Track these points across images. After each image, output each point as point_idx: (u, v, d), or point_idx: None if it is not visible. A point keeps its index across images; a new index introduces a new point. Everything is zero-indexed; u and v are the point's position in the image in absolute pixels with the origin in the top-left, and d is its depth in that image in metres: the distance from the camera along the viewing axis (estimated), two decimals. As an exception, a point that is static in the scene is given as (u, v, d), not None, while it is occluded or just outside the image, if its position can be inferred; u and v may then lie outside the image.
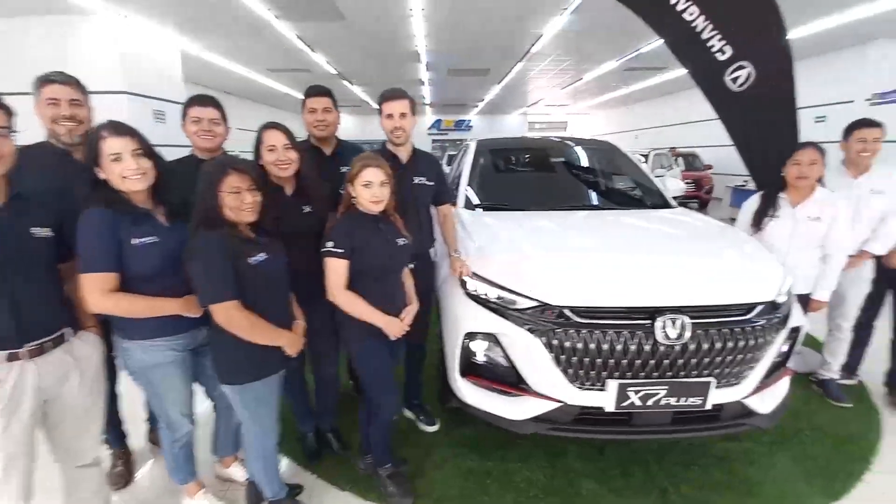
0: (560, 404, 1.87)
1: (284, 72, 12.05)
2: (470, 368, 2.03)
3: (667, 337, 1.74)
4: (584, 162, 3.42)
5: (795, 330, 2.03)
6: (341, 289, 1.69)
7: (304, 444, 2.31)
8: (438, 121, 25.10)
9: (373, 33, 8.59)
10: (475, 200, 2.95)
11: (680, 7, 3.24)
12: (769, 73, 3.07)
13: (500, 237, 2.32)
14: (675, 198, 3.19)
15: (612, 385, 1.79)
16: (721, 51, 3.20)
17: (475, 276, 2.05)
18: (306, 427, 2.29)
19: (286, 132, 1.84)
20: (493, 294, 1.96)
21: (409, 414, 2.58)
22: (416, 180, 2.13)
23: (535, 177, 3.27)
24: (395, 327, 1.76)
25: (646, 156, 8.87)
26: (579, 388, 1.84)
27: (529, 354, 1.86)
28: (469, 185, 3.08)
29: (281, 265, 1.65)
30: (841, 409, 2.67)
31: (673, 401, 1.82)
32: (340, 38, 8.86)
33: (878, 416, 2.61)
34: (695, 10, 3.23)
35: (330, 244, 1.68)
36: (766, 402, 1.98)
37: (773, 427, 2.04)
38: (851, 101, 9.05)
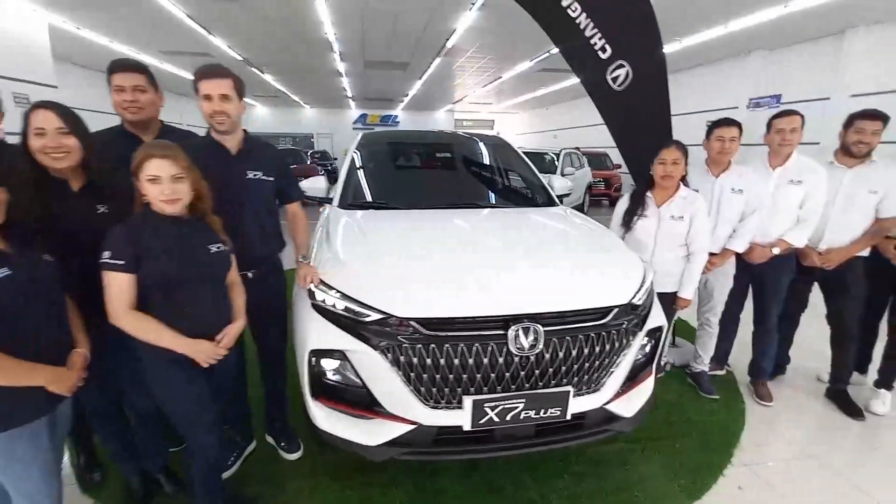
0: (415, 426, 1.68)
1: (181, 55, 10.98)
2: (321, 390, 1.78)
3: (520, 347, 1.61)
4: (472, 158, 3.29)
5: (657, 330, 2.00)
6: (125, 309, 1.36)
7: (128, 490, 1.92)
8: (363, 115, 24.45)
9: (276, 18, 8.00)
10: (350, 199, 2.69)
11: (565, 3, 3.20)
12: (645, 74, 3.12)
13: (361, 240, 2.09)
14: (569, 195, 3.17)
15: (468, 402, 1.63)
16: (603, 49, 3.21)
17: (323, 284, 1.80)
18: (128, 471, 1.91)
19: (63, 114, 1.46)
20: (340, 306, 1.72)
21: (269, 439, 2.28)
22: (250, 175, 1.82)
23: (419, 173, 3.08)
24: (203, 352, 1.45)
25: (557, 154, 9.10)
26: (433, 407, 1.66)
27: (378, 373, 1.65)
28: (346, 181, 2.82)
29: (44, 279, 1.29)
30: (710, 401, 2.76)
31: (532, 413, 1.69)
32: (239, 20, 8.16)
33: (743, 407, 2.72)
34: (577, 6, 3.21)
35: (106, 255, 1.34)
36: (629, 405, 1.93)
37: (634, 428, 1.99)
38: (736, 107, 9.92)
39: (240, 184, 1.80)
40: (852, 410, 2.64)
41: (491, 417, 1.66)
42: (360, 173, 2.92)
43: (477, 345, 1.61)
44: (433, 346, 1.60)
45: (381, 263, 1.87)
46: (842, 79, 8.28)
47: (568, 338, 1.68)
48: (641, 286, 1.92)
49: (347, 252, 1.99)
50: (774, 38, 8.90)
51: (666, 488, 2.05)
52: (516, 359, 1.63)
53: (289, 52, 10.54)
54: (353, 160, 2.97)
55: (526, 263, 1.90)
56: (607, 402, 1.83)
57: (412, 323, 1.61)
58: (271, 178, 1.89)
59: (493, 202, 2.70)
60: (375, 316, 1.64)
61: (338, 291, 1.75)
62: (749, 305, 2.87)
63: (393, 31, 8.85)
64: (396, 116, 24.84)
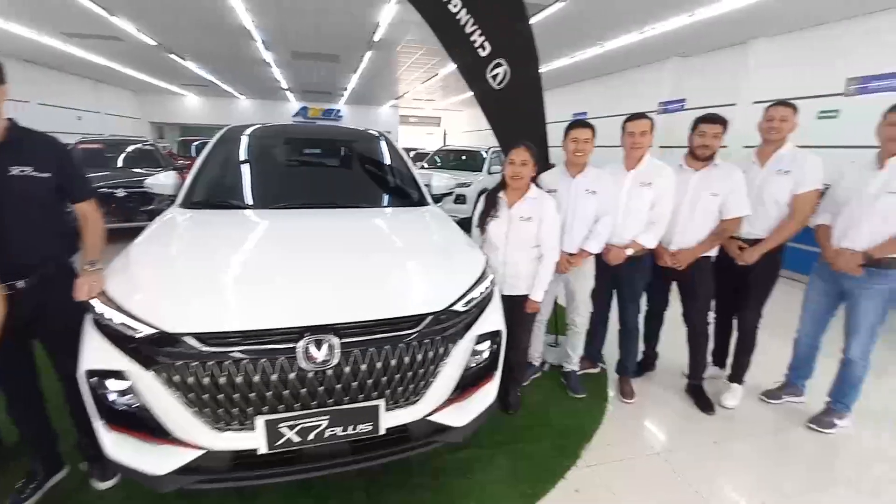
0: (204, 452, 1.52)
1: (87, 38, 10.03)
2: (106, 413, 1.58)
3: (312, 361, 1.49)
4: (343, 155, 3.14)
5: (495, 335, 1.95)
6: None
7: None
8: (304, 108, 23.63)
9: (184, 1, 7.45)
10: (195, 197, 2.48)
11: (445, -1, 3.11)
12: (522, 72, 3.10)
13: (171, 244, 1.90)
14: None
15: (259, 423, 1.49)
16: (482, 46, 3.16)
17: (104, 296, 1.60)
18: None
19: None
20: (117, 320, 1.53)
21: (83, 467, 2.04)
22: (14, 171, 1.58)
23: (281, 170, 2.89)
24: None
25: (486, 152, 9.12)
26: (221, 430, 1.51)
27: (158, 395, 1.47)
28: (194, 178, 2.59)
29: None
30: (576, 401, 2.78)
31: (339, 431, 1.58)
32: (144, 2, 7.53)
33: (604, 405, 2.76)
34: (458, 2, 3.14)
35: None
36: (461, 414, 1.86)
37: (468, 440, 1.94)
38: (652, 111, 10.39)
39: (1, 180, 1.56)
40: (704, 405, 2.75)
41: (290, 438, 1.54)
42: (213, 169, 2.70)
43: (264, 360, 1.47)
44: (212, 363, 1.45)
45: (174, 271, 1.69)
46: (745, 86, 8.83)
47: (372, 349, 1.58)
48: (470, 291, 1.86)
49: (144, 258, 1.80)
50: (688, 45, 9.35)
51: (504, 495, 2.02)
52: (310, 374, 1.51)
53: (208, 38, 9.89)
54: (207, 155, 2.74)
55: (338, 270, 1.78)
56: (430, 414, 1.76)
57: (186, 339, 1.45)
58: (47, 175, 1.65)
59: (353, 202, 2.56)
60: (147, 331, 1.47)
61: (116, 304, 1.55)
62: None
63: (315, 22, 8.51)
64: (339, 111, 24.20)
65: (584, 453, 2.32)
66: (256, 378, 1.47)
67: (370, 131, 3.38)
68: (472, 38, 3.17)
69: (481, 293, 1.92)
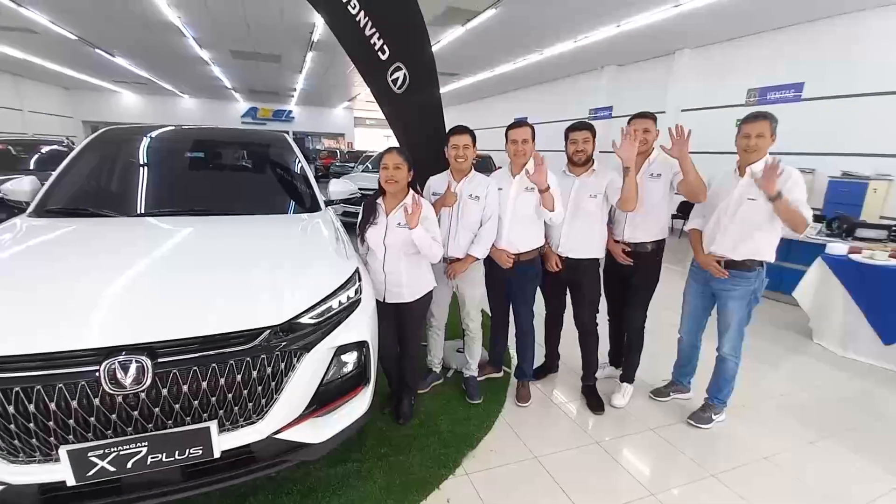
0: (3, 487, 1.38)
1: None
2: None
3: (119, 386, 1.38)
4: (233, 158, 3.01)
5: (360, 345, 1.89)
6: None
7: None
8: (254, 109, 22.94)
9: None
10: (51, 204, 2.29)
11: (345, -1, 3.05)
12: (420, 77, 3.08)
13: None
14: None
15: (63, 454, 1.37)
16: (382, 49, 3.11)
17: None
18: None
19: None
20: None
21: None
22: None
23: (156, 175, 2.69)
24: None
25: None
26: (21, 463, 1.37)
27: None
28: (53, 183, 2.40)
29: None
30: (471, 407, 2.77)
31: (163, 457, 1.48)
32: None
33: (498, 411, 2.76)
34: (356, 3, 3.08)
35: None
36: (318, 431, 1.79)
37: (323, 456, 1.86)
38: (586, 117, 10.76)
39: None
40: (595, 405, 2.80)
41: (103, 467, 1.42)
42: (77, 174, 2.50)
43: (61, 385, 1.35)
44: (2, 389, 1.31)
45: None
46: (673, 94, 9.27)
47: (196, 368, 1.48)
48: (325, 301, 1.79)
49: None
50: (621, 55, 9.73)
51: (370, 512, 1.96)
52: (120, 399, 1.40)
53: (135, 33, 9.38)
54: (72, 159, 2.55)
55: (167, 284, 1.66)
56: (278, 432, 1.68)
57: (-35, 363, 1.31)
58: None
59: (230, 209, 2.43)
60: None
61: None
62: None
63: (247, 21, 8.23)
64: (290, 112, 23.64)
65: (466, 461, 2.30)
66: (53, 406, 1.34)
67: (273, 133, 3.26)
68: (372, 41, 3.12)
69: (340, 303, 1.86)
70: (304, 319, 1.71)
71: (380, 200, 2.34)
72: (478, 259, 2.59)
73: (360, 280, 2.04)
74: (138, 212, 2.30)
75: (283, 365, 1.63)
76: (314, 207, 2.74)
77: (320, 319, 1.76)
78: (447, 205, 2.54)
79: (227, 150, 3.05)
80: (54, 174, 2.46)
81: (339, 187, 3.09)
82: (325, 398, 1.82)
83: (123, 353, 1.39)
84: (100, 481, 1.45)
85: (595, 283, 2.72)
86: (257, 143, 3.14)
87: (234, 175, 2.90)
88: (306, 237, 2.27)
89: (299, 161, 3.03)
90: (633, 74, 10.31)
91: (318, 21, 7.95)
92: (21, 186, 2.43)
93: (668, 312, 3.19)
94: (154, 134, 2.92)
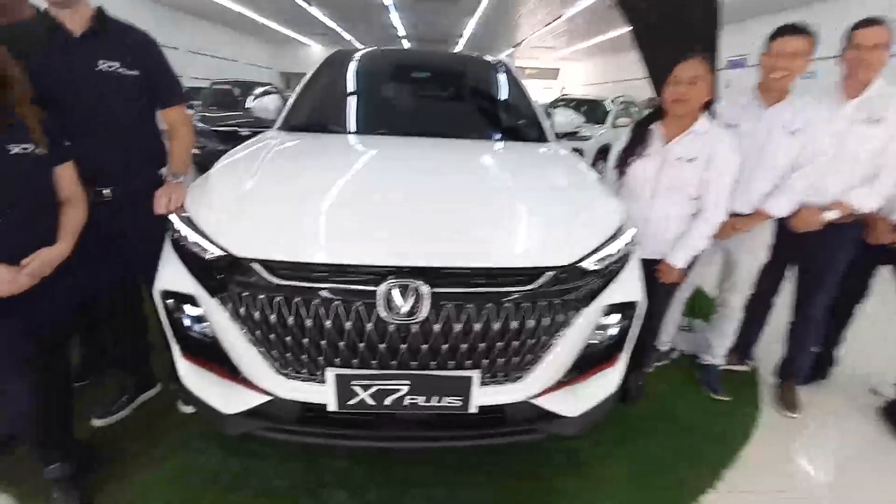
0: (271, 398, 1.33)
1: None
2: (181, 339, 1.46)
3: (395, 312, 1.17)
4: (458, 82, 2.70)
5: (628, 307, 1.48)
6: None
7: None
8: (419, 58, 23.48)
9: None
10: (295, 120, 2.28)
11: None
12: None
13: (261, 163, 1.68)
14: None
15: (330, 377, 1.24)
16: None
17: (182, 212, 1.44)
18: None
19: None
20: (191, 239, 1.36)
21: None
22: (102, 65, 1.44)
23: (389, 96, 2.55)
24: None
25: (613, 101, 8.01)
26: (289, 377, 1.29)
27: (225, 327, 1.29)
28: (295, 102, 2.40)
29: None
30: (715, 402, 2.20)
31: (420, 400, 1.28)
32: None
33: (755, 415, 2.14)
34: None
35: None
36: (574, 402, 1.46)
37: (581, 434, 1.53)
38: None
39: (85, 76, 1.43)
40: (908, 437, 1.99)
41: (364, 399, 1.27)
42: (316, 93, 2.47)
43: (338, 303, 1.19)
44: (280, 298, 1.20)
45: (253, 192, 1.46)
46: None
47: (471, 306, 1.21)
48: (604, 245, 1.39)
49: (227, 176, 1.60)
50: None
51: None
52: (392, 328, 1.20)
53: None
54: (311, 79, 2.53)
55: (439, 206, 1.41)
56: (536, 396, 1.38)
57: (253, 265, 1.21)
58: (134, 73, 1.50)
59: (464, 133, 2.17)
60: (216, 253, 1.26)
61: (191, 221, 1.38)
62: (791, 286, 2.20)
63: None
64: (453, 61, 23.64)
65: (728, 474, 1.78)
66: (328, 323, 1.20)
67: (488, 58, 2.91)
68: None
69: (618, 252, 1.44)
70: (586, 265, 1.33)
71: (656, 125, 1.80)
72: (773, 217, 1.91)
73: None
74: (377, 130, 2.18)
75: (558, 317, 1.29)
76: (543, 137, 2.34)
77: (602, 267, 1.37)
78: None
79: (452, 72, 2.80)
80: (295, 93, 2.46)
81: (564, 118, 2.62)
82: (584, 364, 1.46)
83: (403, 275, 1.17)
84: (356, 413, 1.32)
85: None
86: (481, 67, 2.82)
87: (462, 98, 2.63)
88: (562, 168, 1.88)
89: (523, 88, 2.64)
90: None
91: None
92: (267, 104, 2.47)
93: None
94: (379, 56, 2.80)
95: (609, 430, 1.92)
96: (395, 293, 1.16)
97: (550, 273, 1.26)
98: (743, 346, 2.40)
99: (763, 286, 2.21)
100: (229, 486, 1.59)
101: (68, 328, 1.52)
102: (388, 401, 1.28)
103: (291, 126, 2.24)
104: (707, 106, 1.76)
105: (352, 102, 2.44)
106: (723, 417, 2.10)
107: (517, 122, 2.43)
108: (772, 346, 2.39)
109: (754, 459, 1.86)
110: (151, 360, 2.01)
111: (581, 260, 1.31)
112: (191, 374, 1.46)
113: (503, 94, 2.61)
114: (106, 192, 1.53)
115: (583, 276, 1.32)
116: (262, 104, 2.48)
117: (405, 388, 1.26)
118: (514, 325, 1.24)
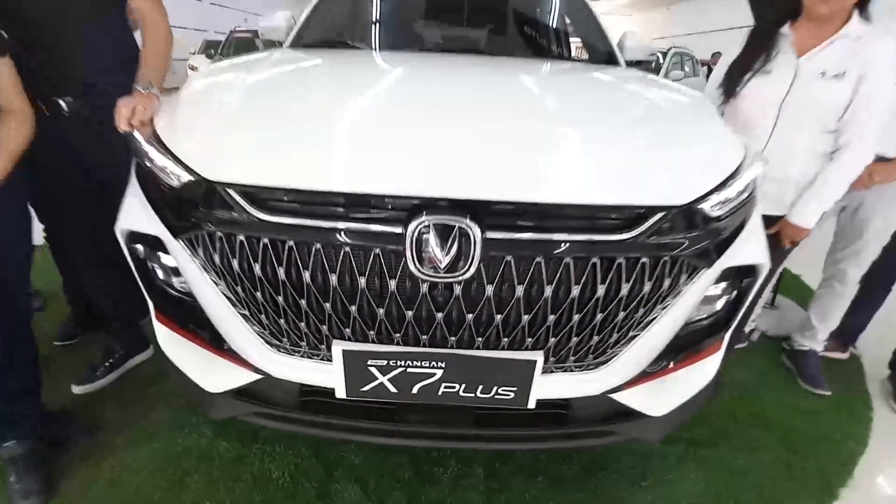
0: (261, 376, 1.00)
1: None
2: (154, 295, 1.14)
3: (428, 263, 0.79)
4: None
5: (749, 272, 1.06)
6: None
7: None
8: None
9: None
10: (309, 37, 1.89)
11: None
12: None
13: (245, 76, 1.30)
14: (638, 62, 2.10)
15: (337, 352, 0.89)
16: None
17: (149, 130, 1.08)
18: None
19: None
20: (159, 162, 1.00)
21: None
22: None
23: (422, 4, 2.10)
24: None
25: (665, 53, 7.22)
26: (283, 351, 0.95)
27: (195, 280, 0.95)
28: (309, 16, 2.00)
29: None
30: (813, 398, 1.78)
31: (461, 390, 0.92)
32: None
33: (868, 415, 1.71)
34: None
35: None
36: (663, 397, 1.08)
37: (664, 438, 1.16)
38: None
39: None
40: None
41: (383, 385, 0.92)
42: (334, 6, 2.06)
43: (348, 249, 0.82)
44: (266, 241, 0.84)
45: (238, 107, 1.09)
46: None
47: (540, 259, 0.82)
48: (727, 184, 0.96)
49: (210, 88, 1.24)
50: None
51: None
52: (425, 285, 0.83)
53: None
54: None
55: (494, 124, 0.98)
56: (616, 389, 1.00)
57: (230, 193, 0.85)
58: None
59: (517, 51, 1.75)
60: (183, 178, 0.91)
61: (158, 140, 1.02)
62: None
63: None
64: None
65: (845, 492, 1.39)
66: (334, 279, 0.84)
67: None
68: None
69: (739, 196, 1.01)
70: (706, 207, 0.91)
71: (786, 28, 1.31)
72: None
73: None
74: (409, 46, 1.78)
75: (669, 280, 0.89)
76: (613, 60, 1.89)
77: (723, 212, 0.95)
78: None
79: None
80: (308, 7, 2.05)
81: (634, 43, 2.12)
82: (685, 346, 1.07)
83: (443, 211, 0.79)
84: (372, 402, 0.98)
85: None
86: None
87: (513, 11, 2.16)
88: (654, 91, 1.42)
89: (590, 8, 2.15)
90: None
91: None
92: (277, 22, 2.06)
93: None
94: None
95: (683, 430, 1.53)
96: (432, 237, 0.78)
97: (658, 216, 0.85)
98: (851, 330, 1.95)
99: (891, 258, 1.73)
100: (224, 474, 1.30)
101: (21, 271, 1.22)
102: (416, 389, 0.92)
103: (305, 44, 1.86)
104: (863, 4, 1.27)
105: (377, 14, 2.02)
106: (824, 417, 1.69)
107: (584, 41, 1.98)
108: (882, 333, 1.94)
109: (871, 470, 1.46)
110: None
111: (701, 199, 0.90)
112: (170, 342, 1.15)
113: (564, 8, 2.14)
114: (63, 103, 1.19)
115: (703, 224, 0.90)
116: (272, 23, 2.08)
117: (439, 373, 0.90)
118: (600, 290, 0.85)
